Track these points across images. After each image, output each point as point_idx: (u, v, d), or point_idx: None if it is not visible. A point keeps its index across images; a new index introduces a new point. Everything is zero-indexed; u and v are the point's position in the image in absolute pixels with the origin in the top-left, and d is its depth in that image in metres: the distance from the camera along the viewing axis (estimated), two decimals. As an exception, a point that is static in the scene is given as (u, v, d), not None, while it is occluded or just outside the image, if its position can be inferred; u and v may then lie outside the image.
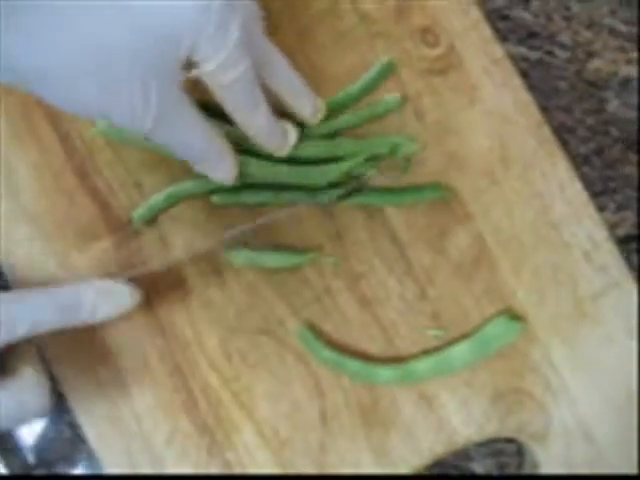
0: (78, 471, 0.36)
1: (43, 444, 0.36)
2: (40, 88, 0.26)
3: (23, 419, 0.29)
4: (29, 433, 0.36)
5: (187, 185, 0.34)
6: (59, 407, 0.36)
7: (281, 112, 0.33)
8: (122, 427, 0.34)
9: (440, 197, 0.35)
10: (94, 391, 0.34)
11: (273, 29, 0.32)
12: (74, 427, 0.35)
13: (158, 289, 0.35)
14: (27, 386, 0.29)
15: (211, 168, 0.32)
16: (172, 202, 0.35)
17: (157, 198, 0.35)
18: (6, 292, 0.29)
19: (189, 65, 0.28)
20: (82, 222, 0.35)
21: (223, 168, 0.32)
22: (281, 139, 0.33)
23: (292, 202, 0.35)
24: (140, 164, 0.35)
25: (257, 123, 0.31)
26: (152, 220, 0.35)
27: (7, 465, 0.35)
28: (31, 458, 0.36)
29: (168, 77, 0.28)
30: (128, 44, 0.26)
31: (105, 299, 0.31)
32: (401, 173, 0.35)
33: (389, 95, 0.35)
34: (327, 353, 0.34)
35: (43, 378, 0.30)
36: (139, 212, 0.35)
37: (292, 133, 0.33)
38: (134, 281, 0.32)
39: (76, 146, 0.35)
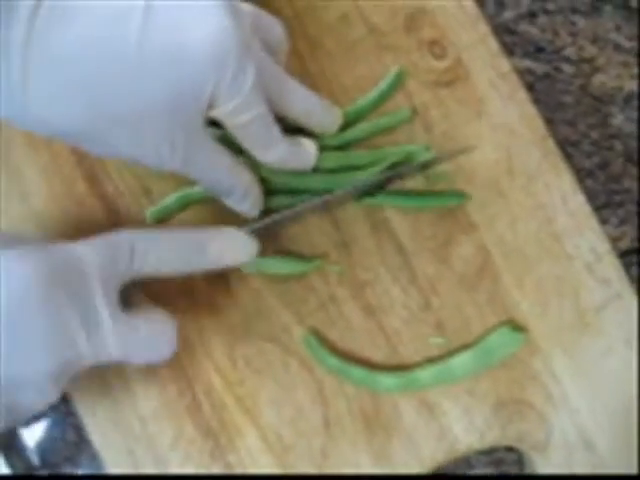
0: (81, 473, 0.36)
1: (47, 445, 0.36)
2: (72, 140, 0.28)
3: (153, 355, 0.30)
4: (33, 434, 0.36)
5: (201, 189, 0.35)
6: (63, 409, 0.36)
7: (295, 126, 0.33)
8: (126, 430, 0.35)
9: (458, 202, 0.36)
10: (99, 393, 0.35)
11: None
12: (78, 429, 0.36)
13: (166, 294, 0.35)
14: (157, 322, 0.30)
15: (236, 202, 0.33)
16: (185, 203, 0.35)
17: (171, 199, 0.35)
18: (133, 229, 0.30)
19: (208, 106, 0.29)
20: (91, 227, 0.35)
21: (248, 203, 0.33)
22: (301, 159, 0.33)
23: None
24: (149, 170, 0.36)
25: (275, 157, 0.32)
26: (163, 220, 0.36)
27: (11, 466, 0.35)
28: (35, 459, 0.36)
29: (192, 126, 0.29)
30: (154, 104, 0.27)
31: (228, 246, 0.31)
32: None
33: (399, 107, 0.36)
34: (331, 360, 0.35)
35: (170, 315, 0.30)
36: (152, 210, 0.35)
37: (312, 148, 0.34)
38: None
39: (87, 151, 0.36)
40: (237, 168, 0.32)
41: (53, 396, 0.27)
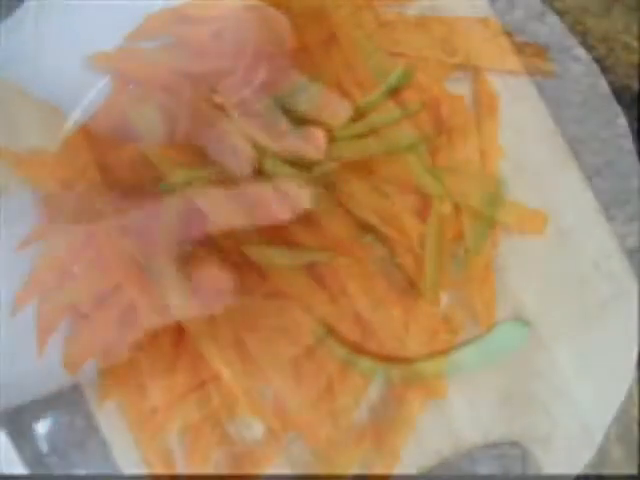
0: (90, 459, 0.36)
1: (56, 431, 0.36)
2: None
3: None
4: (42, 420, 0.36)
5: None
6: (72, 395, 0.36)
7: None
8: (135, 417, 0.35)
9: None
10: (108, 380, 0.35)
11: (297, 35, 0.33)
12: (87, 416, 0.36)
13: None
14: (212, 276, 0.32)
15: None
16: (191, 179, 0.35)
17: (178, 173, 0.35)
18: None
19: (214, 91, 0.30)
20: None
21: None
22: (310, 148, 0.34)
23: None
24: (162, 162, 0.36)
25: (283, 147, 0.32)
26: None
27: (20, 452, 0.36)
28: (44, 446, 0.36)
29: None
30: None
31: (285, 198, 0.32)
32: None
33: (409, 101, 0.36)
34: (339, 351, 0.35)
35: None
36: None
37: (321, 137, 0.34)
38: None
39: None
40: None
41: None
